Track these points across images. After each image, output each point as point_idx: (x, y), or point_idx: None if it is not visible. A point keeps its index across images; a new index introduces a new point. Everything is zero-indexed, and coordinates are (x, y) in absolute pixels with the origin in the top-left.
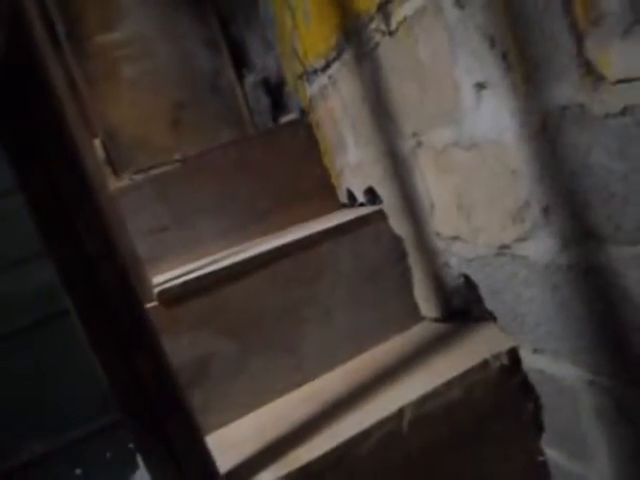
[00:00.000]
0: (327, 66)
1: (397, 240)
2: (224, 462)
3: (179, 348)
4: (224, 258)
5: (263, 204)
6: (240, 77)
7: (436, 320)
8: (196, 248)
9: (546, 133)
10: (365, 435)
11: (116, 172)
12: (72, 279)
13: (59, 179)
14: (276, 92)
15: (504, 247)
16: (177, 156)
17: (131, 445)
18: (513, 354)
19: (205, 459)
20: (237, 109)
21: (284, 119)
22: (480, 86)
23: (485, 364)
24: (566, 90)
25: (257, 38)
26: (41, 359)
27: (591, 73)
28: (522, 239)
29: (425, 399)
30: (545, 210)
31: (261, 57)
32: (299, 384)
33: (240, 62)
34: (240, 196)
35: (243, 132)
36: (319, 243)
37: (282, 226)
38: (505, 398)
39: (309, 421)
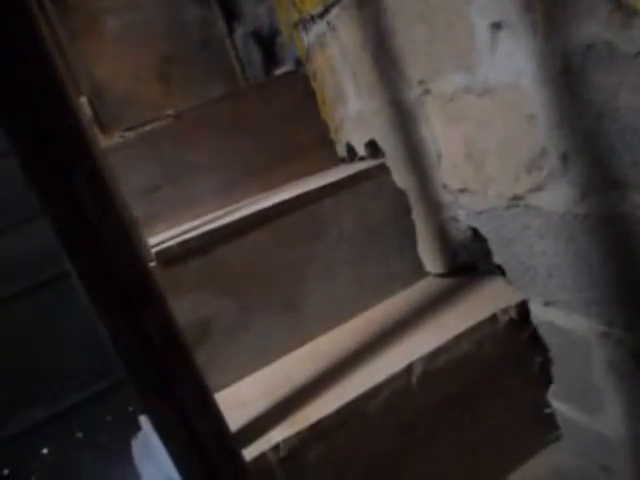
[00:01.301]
0: (325, 12)
1: (400, 194)
2: (232, 421)
3: (179, 309)
4: (222, 216)
5: (259, 160)
6: (230, 29)
7: (441, 275)
8: (192, 207)
9: (567, 75)
10: (374, 392)
11: (104, 130)
12: (71, 239)
13: (55, 137)
14: (268, 44)
15: (517, 198)
16: (168, 112)
17: (131, 408)
18: (522, 307)
19: (215, 417)
20: (228, 62)
21: (278, 71)
22: (496, 27)
23: (494, 318)
24: (592, 27)
25: None
26: (41, 322)
27: (621, 7)
28: (537, 189)
29: (434, 354)
30: (564, 157)
31: (252, 7)
32: (303, 342)
33: (230, 13)
34: (235, 152)
35: (235, 86)
36: (320, 199)
37: (280, 182)
38: (514, 352)
39: (316, 379)
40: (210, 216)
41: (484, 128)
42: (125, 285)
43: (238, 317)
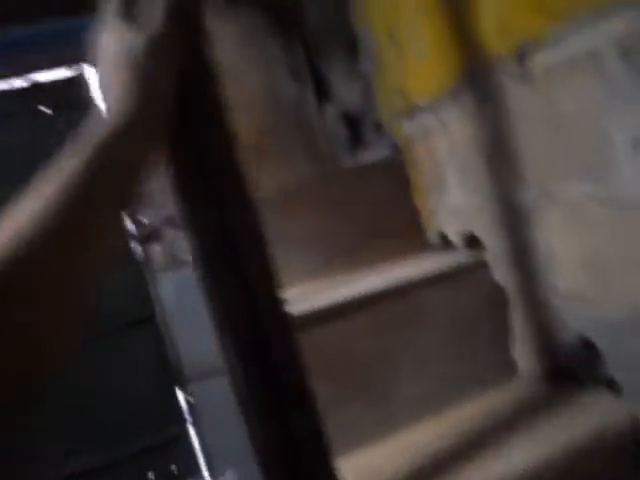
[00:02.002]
0: (436, 105)
1: (498, 290)
2: None
3: None
4: (315, 293)
5: (351, 239)
6: (321, 108)
7: (536, 378)
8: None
9: None
10: None
11: None
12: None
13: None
14: (356, 125)
15: None
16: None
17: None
18: (635, 423)
19: None
20: (316, 139)
21: (371, 154)
22: (638, 141)
23: (600, 432)
24: None
25: (341, 70)
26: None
27: None
28: None
29: (532, 471)
30: None
31: (343, 89)
32: (390, 434)
33: (322, 92)
34: (328, 230)
35: (320, 162)
36: (418, 288)
37: (369, 262)
38: (623, 471)
39: (405, 475)
40: (300, 290)
41: (611, 240)
42: (284, 389)
43: (329, 400)
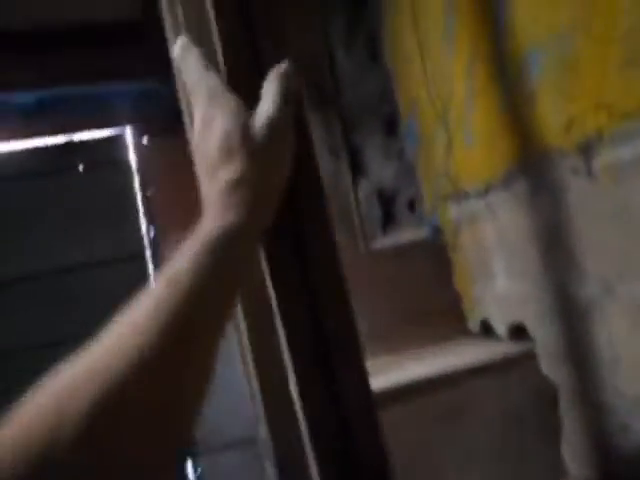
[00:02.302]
0: (486, 192)
1: (548, 385)
2: None
3: None
4: None
5: (386, 322)
6: (355, 184)
7: None
8: None
9: None
10: None
11: None
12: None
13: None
14: (389, 203)
15: None
16: None
17: None
18: None
19: None
20: (351, 214)
21: (406, 233)
22: None
23: None
24: None
25: (376, 146)
26: None
27: None
28: None
29: None
30: None
31: (378, 166)
32: None
33: (357, 169)
34: (362, 313)
35: (355, 238)
36: (462, 379)
37: (407, 348)
38: None
39: None
40: None
41: None
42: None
43: None
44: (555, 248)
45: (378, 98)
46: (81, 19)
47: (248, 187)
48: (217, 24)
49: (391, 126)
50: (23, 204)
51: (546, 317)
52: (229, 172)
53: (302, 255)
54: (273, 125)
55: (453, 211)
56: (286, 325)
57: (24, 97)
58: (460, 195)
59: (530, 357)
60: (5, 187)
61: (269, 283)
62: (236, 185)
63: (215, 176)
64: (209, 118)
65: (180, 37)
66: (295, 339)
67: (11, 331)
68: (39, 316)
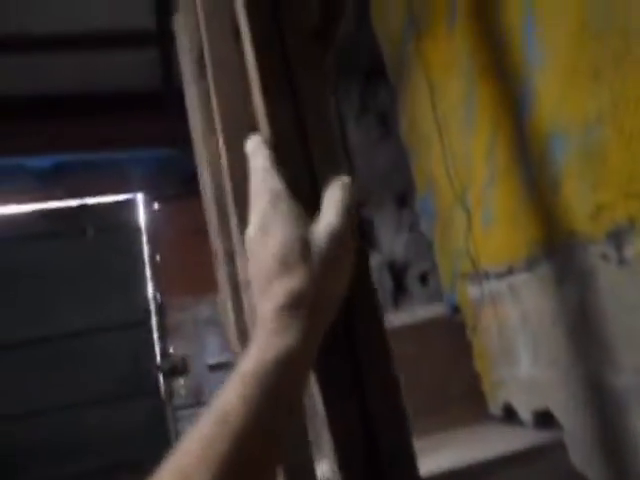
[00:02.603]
0: (508, 273)
1: (577, 477)
2: None
3: None
4: None
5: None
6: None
7: None
8: None
9: None
10: None
11: None
12: None
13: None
14: (400, 276)
15: None
16: None
17: None
18: None
19: None
20: None
21: (421, 309)
22: None
23: None
24: None
25: (388, 220)
26: None
27: None
28: None
29: None
30: None
31: (389, 239)
32: None
33: (368, 243)
34: None
35: None
36: (486, 472)
37: (425, 433)
38: None
39: None
40: None
41: None
42: None
43: None
44: (585, 335)
45: (389, 172)
46: (100, 87)
47: (307, 304)
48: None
49: (402, 199)
50: (33, 265)
51: (576, 405)
52: (287, 286)
53: (359, 385)
54: (337, 237)
55: (472, 290)
56: (340, 454)
57: (40, 161)
58: (480, 275)
59: (558, 446)
60: (16, 248)
61: (321, 406)
62: (294, 301)
63: (270, 288)
64: (268, 223)
65: (254, 135)
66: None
67: (15, 394)
68: (43, 379)
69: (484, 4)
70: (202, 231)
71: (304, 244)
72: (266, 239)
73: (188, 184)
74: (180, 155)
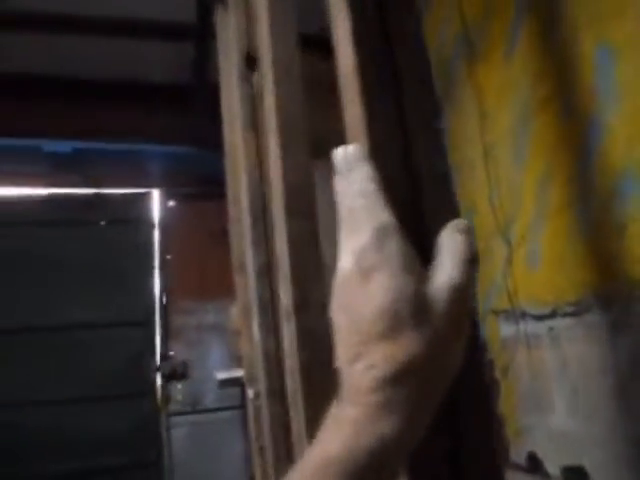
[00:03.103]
0: (550, 316)
1: None
2: None
3: None
4: None
5: None
6: None
7: None
8: None
9: None
10: None
11: None
12: None
13: None
14: None
15: None
16: None
17: None
18: None
19: None
20: None
21: None
22: None
23: None
24: None
25: None
26: None
27: None
28: None
29: None
30: None
31: None
32: None
33: None
34: None
35: None
36: None
37: None
38: None
39: None
40: None
41: None
42: None
43: None
44: (633, 392)
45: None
46: (128, 76)
47: (415, 382)
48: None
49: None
50: (40, 251)
51: (617, 467)
52: (394, 353)
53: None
54: (459, 296)
55: (505, 329)
56: None
57: (58, 146)
58: (517, 313)
59: None
60: (25, 232)
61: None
62: (401, 375)
63: (367, 355)
64: (372, 267)
65: (353, 144)
66: None
67: (9, 382)
68: (36, 370)
69: (551, 32)
70: (217, 235)
71: (420, 302)
72: (368, 287)
73: (207, 185)
74: (202, 154)
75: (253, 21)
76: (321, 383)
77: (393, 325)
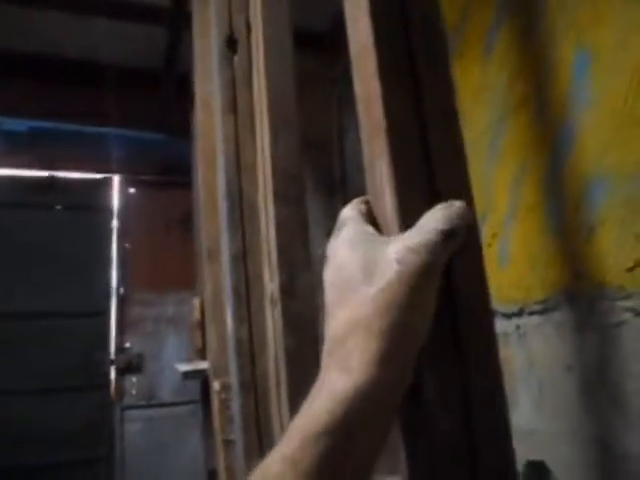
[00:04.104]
0: (517, 314)
1: None
2: None
3: None
4: None
5: None
6: None
7: None
8: None
9: None
10: None
11: None
12: None
13: None
14: None
15: None
16: None
17: None
18: None
19: None
20: None
21: None
22: None
23: None
24: None
25: None
26: None
27: None
28: None
29: None
30: None
31: None
32: None
33: None
34: None
35: None
36: None
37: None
38: None
39: None
40: None
41: None
42: None
43: None
44: (600, 390)
45: None
46: (94, 57)
47: (363, 334)
48: None
49: None
50: None
51: (579, 465)
52: (340, 317)
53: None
54: (412, 256)
55: None
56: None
57: (16, 125)
58: None
59: None
60: None
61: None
62: (347, 333)
63: (327, 323)
64: (329, 253)
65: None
66: None
67: None
68: None
69: (529, 35)
70: (178, 224)
71: (365, 266)
72: (327, 266)
73: (170, 173)
74: (166, 141)
75: (234, 2)
76: (307, 369)
77: (339, 292)
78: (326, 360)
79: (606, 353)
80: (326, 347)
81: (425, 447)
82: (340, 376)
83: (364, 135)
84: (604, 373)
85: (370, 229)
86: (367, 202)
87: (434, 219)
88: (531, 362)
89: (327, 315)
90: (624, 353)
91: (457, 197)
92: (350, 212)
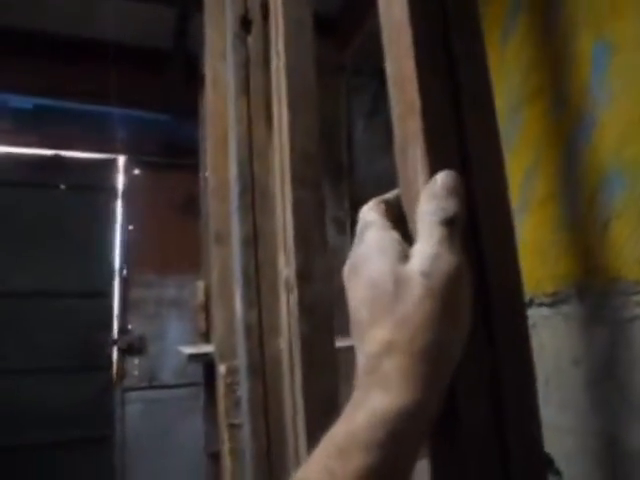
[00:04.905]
0: (528, 305)
1: None
2: None
3: None
4: None
5: None
6: None
7: None
8: None
9: None
10: None
11: None
12: None
13: None
14: None
15: None
16: None
17: None
18: None
19: None
20: None
21: None
22: None
23: None
24: None
25: None
26: None
27: None
28: None
29: None
30: None
31: None
32: None
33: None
34: None
35: None
36: None
37: None
38: None
39: None
40: None
41: None
42: None
43: None
44: (609, 384)
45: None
46: (101, 35)
47: (399, 357)
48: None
49: None
50: None
51: (583, 458)
52: (374, 337)
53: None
54: (432, 267)
55: None
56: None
57: (22, 102)
58: None
59: None
60: None
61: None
62: (382, 354)
63: (360, 342)
64: (355, 263)
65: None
66: None
67: None
68: None
69: (547, 24)
70: (182, 206)
71: (395, 281)
72: (355, 280)
73: (176, 154)
74: (173, 122)
75: None
76: (321, 356)
77: (372, 310)
78: (364, 379)
79: (616, 348)
80: (363, 366)
81: (454, 451)
82: (380, 396)
83: (395, 117)
84: (613, 368)
85: (395, 235)
86: (386, 202)
87: (425, 214)
88: (538, 354)
89: (361, 333)
90: (637, 348)
91: (492, 184)
92: (372, 215)
